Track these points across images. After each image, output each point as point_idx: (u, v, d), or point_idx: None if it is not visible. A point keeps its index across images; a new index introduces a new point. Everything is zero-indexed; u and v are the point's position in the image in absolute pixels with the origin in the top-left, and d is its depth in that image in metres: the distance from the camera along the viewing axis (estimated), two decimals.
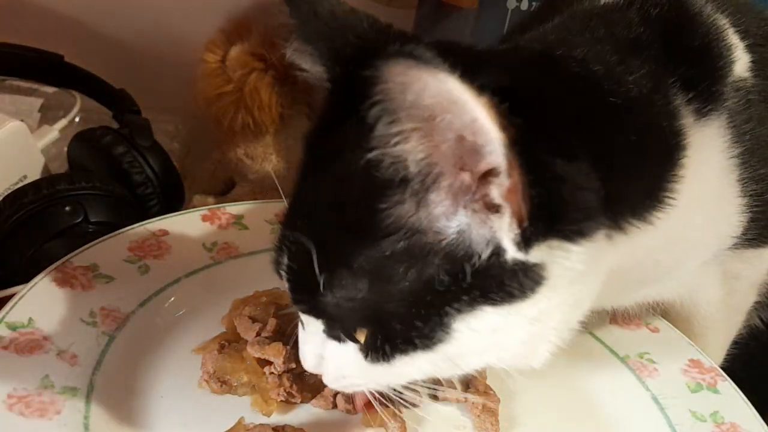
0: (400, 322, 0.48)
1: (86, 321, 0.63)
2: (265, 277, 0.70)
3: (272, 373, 0.60)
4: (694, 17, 0.58)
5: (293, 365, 0.60)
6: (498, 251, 0.45)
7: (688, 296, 0.72)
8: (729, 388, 0.68)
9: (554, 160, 0.44)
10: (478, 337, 0.48)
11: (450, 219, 0.45)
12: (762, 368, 0.78)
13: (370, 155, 0.43)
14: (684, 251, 0.53)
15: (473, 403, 0.62)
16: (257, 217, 0.80)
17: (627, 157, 0.49)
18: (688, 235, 0.58)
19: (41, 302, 0.63)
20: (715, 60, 0.57)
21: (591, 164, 0.46)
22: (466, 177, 0.43)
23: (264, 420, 0.59)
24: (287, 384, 0.60)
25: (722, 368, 0.70)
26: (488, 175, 0.43)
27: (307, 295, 0.50)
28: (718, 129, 0.57)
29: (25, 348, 0.59)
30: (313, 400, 0.61)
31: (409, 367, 0.51)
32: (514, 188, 0.42)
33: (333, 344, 0.53)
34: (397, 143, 0.42)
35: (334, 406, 0.61)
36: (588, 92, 0.50)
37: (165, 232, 0.75)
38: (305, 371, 0.61)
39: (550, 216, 0.45)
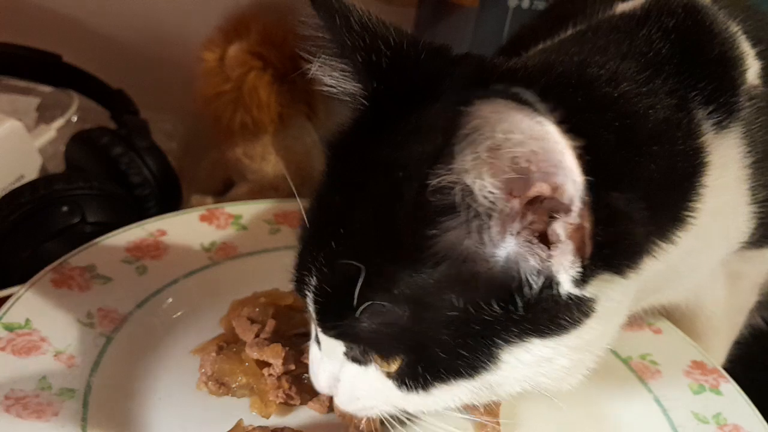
0: (443, 351, 0.47)
1: (84, 322, 0.63)
2: (264, 277, 0.70)
3: (271, 374, 0.60)
4: (709, 27, 0.57)
5: (292, 367, 0.60)
6: (552, 285, 0.45)
7: (693, 297, 0.71)
8: (732, 389, 0.67)
9: (615, 196, 0.44)
10: (523, 366, 0.48)
11: (504, 250, 0.44)
12: (765, 369, 0.78)
13: (434, 181, 0.42)
14: (699, 259, 0.52)
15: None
16: (256, 217, 0.80)
17: (658, 183, 0.49)
18: (705, 245, 0.57)
19: (38, 303, 0.63)
20: (731, 70, 0.57)
21: (640, 196, 0.46)
22: (528, 213, 0.43)
23: (263, 422, 0.58)
24: (286, 386, 0.59)
25: (725, 369, 0.70)
26: (553, 211, 0.42)
27: (338, 319, 0.48)
28: (735, 140, 0.57)
29: (23, 349, 0.59)
30: (309, 403, 0.61)
31: (446, 395, 0.50)
32: (581, 227, 0.42)
33: (352, 367, 0.52)
34: (473, 175, 0.41)
35: (330, 409, 0.60)
36: (623, 118, 0.49)
37: (163, 233, 0.74)
38: (304, 373, 0.61)
39: (609, 252, 0.45)
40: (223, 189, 1.02)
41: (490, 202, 0.42)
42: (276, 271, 0.72)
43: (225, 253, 0.75)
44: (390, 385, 0.50)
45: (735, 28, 0.59)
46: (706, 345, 0.73)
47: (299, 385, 0.60)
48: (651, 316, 0.74)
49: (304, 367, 0.61)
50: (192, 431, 0.58)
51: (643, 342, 0.72)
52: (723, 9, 0.60)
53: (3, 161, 0.84)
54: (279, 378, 0.60)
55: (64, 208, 0.78)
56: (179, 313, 0.68)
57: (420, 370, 0.48)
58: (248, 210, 0.81)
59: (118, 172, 0.86)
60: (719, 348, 0.75)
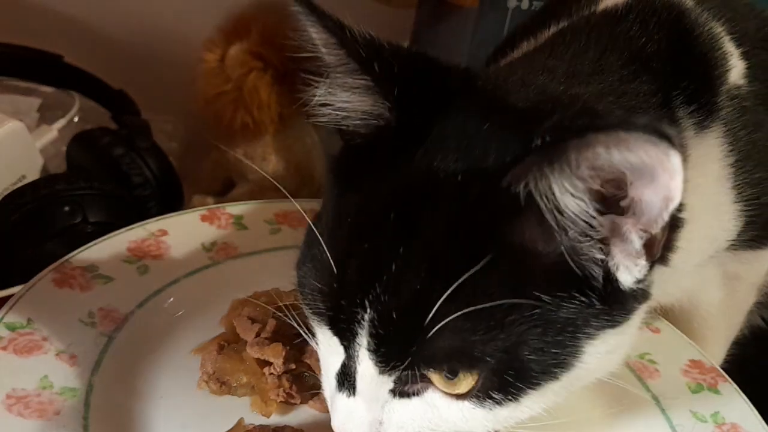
0: (532, 352, 0.46)
1: (85, 321, 0.63)
2: (265, 277, 0.70)
3: (272, 373, 0.60)
4: (691, 27, 0.58)
5: (293, 366, 0.60)
6: (624, 279, 0.45)
7: (689, 297, 0.72)
8: (730, 388, 0.68)
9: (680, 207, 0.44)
10: (597, 359, 0.48)
11: (587, 251, 0.44)
12: (763, 368, 0.78)
13: (522, 185, 0.41)
14: (682, 258, 0.53)
15: None
16: (256, 217, 0.80)
17: None
18: (688, 246, 0.57)
19: (40, 303, 0.63)
20: (713, 70, 0.58)
21: None
22: (614, 223, 0.43)
23: (263, 421, 0.59)
24: (287, 385, 0.60)
25: (723, 368, 0.70)
26: (637, 224, 0.43)
27: (409, 346, 0.45)
28: (715, 139, 0.57)
29: (24, 348, 0.59)
30: (310, 402, 0.61)
31: (534, 402, 0.49)
32: (656, 236, 0.44)
33: (400, 404, 0.49)
34: (570, 184, 0.40)
35: None
36: None
37: (164, 233, 0.75)
38: (305, 372, 0.61)
39: (666, 251, 0.46)
40: (224, 189, 1.02)
41: (584, 214, 0.42)
42: (276, 270, 0.73)
43: (226, 253, 0.75)
44: (457, 409, 0.48)
45: (719, 28, 0.60)
46: (703, 345, 0.73)
47: (300, 384, 0.60)
48: (647, 316, 0.75)
49: (305, 366, 0.61)
50: (193, 430, 0.58)
51: (641, 341, 0.72)
52: (707, 10, 0.60)
53: (4, 161, 0.84)
54: (280, 377, 0.60)
55: (66, 208, 0.78)
56: (180, 313, 0.68)
57: (510, 379, 0.46)
58: (249, 210, 0.81)
59: (119, 172, 0.86)
60: (717, 348, 0.76)
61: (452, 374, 0.46)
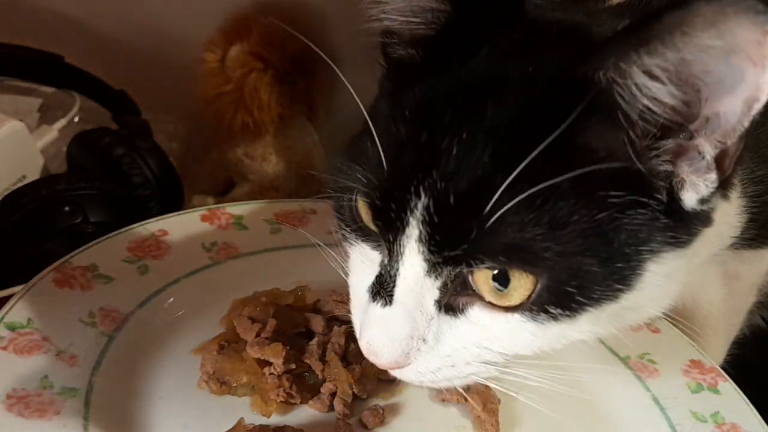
0: (595, 262, 0.44)
1: (85, 321, 0.63)
2: (265, 277, 0.70)
3: (272, 373, 0.60)
4: None
5: (293, 366, 0.60)
6: (689, 195, 0.45)
7: (690, 297, 0.72)
8: (730, 388, 0.68)
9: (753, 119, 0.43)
10: (656, 284, 0.47)
11: (659, 161, 0.43)
12: (763, 369, 0.78)
13: (604, 76, 0.41)
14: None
15: (473, 403, 0.61)
16: (257, 217, 0.80)
17: None
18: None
19: (40, 303, 0.63)
20: None
21: None
22: (692, 126, 0.42)
23: (263, 421, 0.59)
24: (287, 385, 0.60)
25: (723, 368, 0.70)
26: (715, 131, 0.42)
27: (466, 235, 0.43)
28: None
29: (25, 348, 0.59)
30: (310, 402, 0.61)
31: (589, 324, 0.47)
32: (729, 148, 0.43)
33: (448, 322, 0.47)
34: (654, 77, 0.40)
35: (331, 408, 0.60)
36: None
37: (164, 233, 0.75)
38: (305, 372, 0.61)
39: (731, 175, 0.46)
40: (224, 189, 1.02)
41: (660, 110, 0.41)
42: (276, 270, 0.73)
43: (226, 253, 0.75)
44: (507, 324, 0.46)
45: None
46: (703, 345, 0.73)
47: (300, 384, 0.61)
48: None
49: (305, 366, 0.61)
50: (193, 430, 0.58)
51: (641, 341, 0.72)
52: None
53: (5, 162, 0.84)
54: (280, 377, 0.60)
55: (66, 208, 0.78)
56: (180, 313, 0.68)
57: (569, 290, 0.44)
58: (249, 210, 0.81)
59: (119, 172, 0.86)
60: (717, 347, 0.76)
61: (504, 282, 0.45)
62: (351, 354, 0.63)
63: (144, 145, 0.88)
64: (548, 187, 0.42)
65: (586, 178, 0.42)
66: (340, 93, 1.05)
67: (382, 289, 0.48)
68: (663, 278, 0.47)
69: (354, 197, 0.50)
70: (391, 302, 0.48)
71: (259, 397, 0.60)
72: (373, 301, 0.48)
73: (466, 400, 0.62)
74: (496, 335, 0.47)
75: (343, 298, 0.67)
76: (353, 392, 0.61)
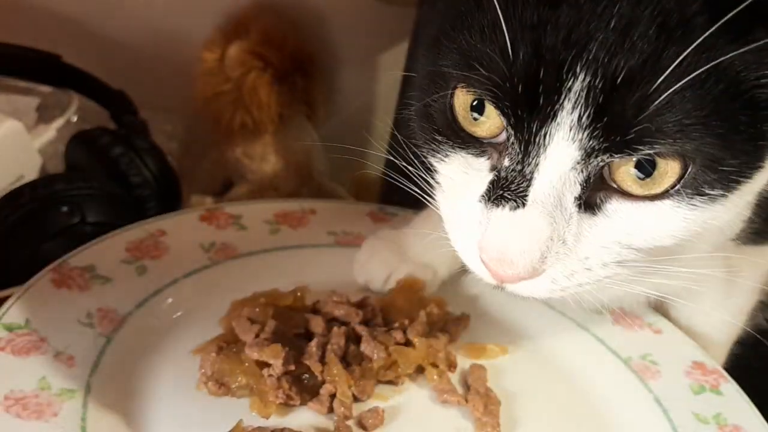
0: (745, 140, 0.42)
1: (83, 322, 0.63)
2: (264, 277, 0.70)
3: (271, 375, 0.59)
4: None
5: (292, 367, 0.60)
6: None
7: (691, 295, 0.71)
8: (732, 390, 0.67)
9: None
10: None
11: None
12: (765, 369, 0.78)
13: None
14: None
15: (474, 405, 0.61)
16: (256, 217, 0.80)
17: None
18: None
19: (38, 303, 0.63)
20: None
21: None
22: None
23: (262, 422, 0.58)
24: (286, 386, 0.59)
25: (724, 369, 0.70)
26: None
27: (637, 113, 0.40)
28: None
29: (22, 349, 0.59)
30: (310, 403, 0.60)
31: (723, 210, 0.45)
32: None
33: (588, 220, 0.44)
34: None
35: (330, 410, 0.60)
36: None
37: (162, 233, 0.74)
38: (304, 373, 0.61)
39: None
40: (223, 189, 1.02)
41: None
42: (276, 271, 0.73)
43: (225, 254, 0.75)
44: (652, 212, 0.44)
45: None
46: (705, 344, 0.73)
47: (299, 386, 0.60)
48: (650, 314, 0.75)
49: (304, 368, 0.61)
50: (192, 431, 0.58)
51: (643, 342, 0.72)
52: None
53: (3, 161, 0.84)
54: (279, 378, 0.59)
55: (64, 209, 0.77)
56: (179, 314, 0.68)
57: (726, 168, 0.42)
58: (248, 210, 0.81)
59: (117, 172, 0.86)
60: (718, 347, 0.75)
61: (647, 170, 0.43)
62: (350, 355, 0.63)
63: (142, 144, 0.88)
64: (717, 64, 0.40)
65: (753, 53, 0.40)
66: (339, 93, 1.05)
67: (508, 191, 0.44)
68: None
69: (448, 100, 0.46)
70: (524, 204, 0.44)
71: (258, 399, 0.60)
72: (496, 207, 0.45)
73: (467, 401, 0.62)
74: (640, 227, 0.45)
75: (343, 299, 0.67)
76: (353, 393, 0.61)
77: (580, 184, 0.44)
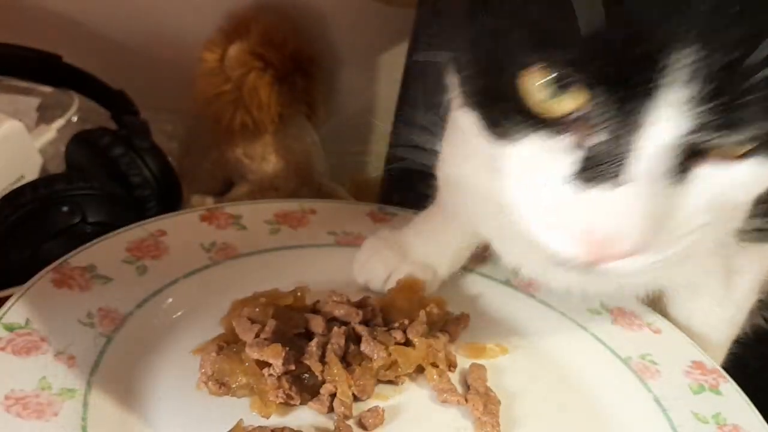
0: None
1: (84, 322, 0.63)
2: (264, 277, 0.70)
3: (271, 374, 0.59)
4: None
5: (292, 367, 0.60)
6: None
7: (690, 293, 0.71)
8: (731, 389, 0.67)
9: None
10: None
11: None
12: (765, 369, 0.78)
13: None
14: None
15: (474, 404, 0.61)
16: (256, 217, 0.80)
17: None
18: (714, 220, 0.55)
19: (39, 303, 0.63)
20: None
21: None
22: None
23: (263, 422, 0.58)
24: (286, 386, 0.59)
25: (724, 368, 0.70)
26: None
27: (729, 104, 0.39)
28: None
29: (23, 349, 0.59)
30: (310, 403, 0.60)
31: None
32: None
33: (681, 189, 0.43)
34: None
35: (331, 409, 0.60)
36: None
37: (163, 233, 0.74)
38: (304, 373, 0.61)
39: None
40: (224, 189, 1.02)
41: None
42: (276, 271, 0.73)
43: (225, 253, 0.75)
44: (742, 172, 0.43)
45: None
46: (705, 343, 0.73)
47: (299, 385, 0.60)
48: (648, 312, 0.75)
49: (304, 367, 0.61)
50: (192, 431, 0.58)
51: (642, 342, 0.72)
52: None
53: (3, 161, 0.84)
54: (279, 378, 0.59)
55: (65, 209, 0.78)
56: (179, 313, 0.68)
57: None
58: (248, 210, 0.81)
59: (118, 172, 0.86)
60: (718, 346, 0.75)
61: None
62: (350, 355, 0.63)
63: (143, 144, 0.88)
64: None
65: None
66: (339, 93, 1.05)
67: (603, 169, 0.43)
68: None
69: (517, 80, 0.44)
70: (623, 180, 0.43)
71: (259, 398, 0.60)
72: (594, 186, 0.44)
73: (466, 401, 0.62)
74: (734, 187, 0.44)
75: (343, 299, 0.68)
76: (353, 393, 0.61)
77: (678, 156, 0.42)
